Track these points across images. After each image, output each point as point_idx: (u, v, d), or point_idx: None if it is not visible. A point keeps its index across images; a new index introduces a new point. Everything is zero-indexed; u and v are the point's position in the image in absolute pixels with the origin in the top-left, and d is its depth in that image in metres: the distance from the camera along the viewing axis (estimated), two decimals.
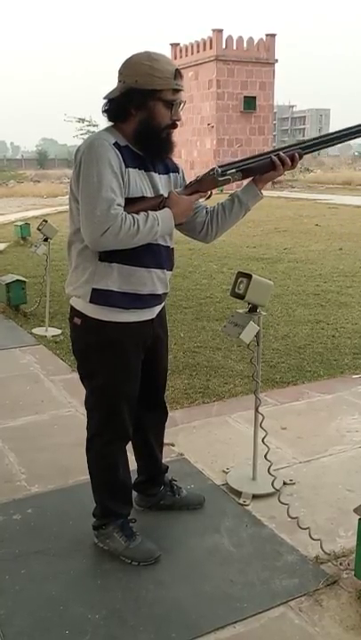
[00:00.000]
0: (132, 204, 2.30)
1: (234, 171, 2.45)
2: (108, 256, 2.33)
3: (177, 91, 2.33)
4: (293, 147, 2.54)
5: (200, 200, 2.54)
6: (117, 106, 2.33)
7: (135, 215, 2.26)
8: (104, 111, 2.38)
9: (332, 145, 2.61)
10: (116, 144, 2.28)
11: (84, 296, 2.41)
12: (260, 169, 2.51)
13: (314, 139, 2.59)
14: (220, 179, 2.42)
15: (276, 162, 2.47)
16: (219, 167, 2.45)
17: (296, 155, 2.51)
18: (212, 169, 2.44)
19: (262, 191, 2.60)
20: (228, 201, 2.61)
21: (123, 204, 2.26)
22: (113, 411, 2.55)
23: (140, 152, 2.37)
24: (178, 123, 2.39)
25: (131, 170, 2.31)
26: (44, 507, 3.02)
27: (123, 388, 2.54)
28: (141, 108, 2.30)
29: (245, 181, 2.59)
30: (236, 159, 2.52)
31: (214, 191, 2.53)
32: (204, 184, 2.44)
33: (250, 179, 2.56)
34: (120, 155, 2.28)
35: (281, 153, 2.49)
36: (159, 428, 2.92)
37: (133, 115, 2.32)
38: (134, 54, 2.32)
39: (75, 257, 2.44)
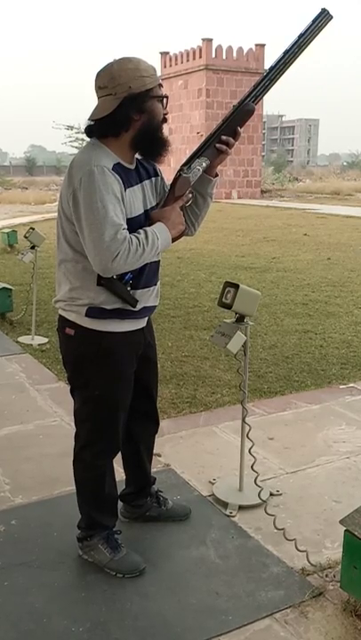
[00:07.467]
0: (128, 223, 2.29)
1: (198, 159, 2.43)
2: (107, 281, 2.32)
3: (160, 85, 2.36)
4: (240, 103, 2.44)
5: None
6: (118, 118, 2.28)
7: (136, 235, 2.26)
8: (96, 131, 2.33)
9: (272, 84, 2.47)
10: (113, 167, 2.26)
11: (79, 312, 2.40)
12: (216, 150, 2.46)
13: (252, 87, 2.46)
14: (190, 174, 2.41)
15: (222, 148, 2.44)
16: (182, 166, 2.43)
17: (238, 129, 2.45)
18: (178, 170, 2.42)
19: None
20: (192, 198, 2.58)
21: (127, 227, 2.26)
22: (107, 421, 2.53)
23: (129, 166, 2.36)
24: (167, 117, 2.39)
25: (127, 191, 2.30)
26: (28, 518, 2.99)
27: (118, 398, 2.53)
28: (143, 111, 2.29)
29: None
30: (194, 150, 2.47)
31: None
32: (178, 187, 2.42)
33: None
34: (119, 178, 2.26)
35: (222, 137, 2.43)
36: (150, 438, 2.90)
37: (136, 120, 2.29)
38: (108, 66, 2.29)
39: (69, 277, 2.40)
